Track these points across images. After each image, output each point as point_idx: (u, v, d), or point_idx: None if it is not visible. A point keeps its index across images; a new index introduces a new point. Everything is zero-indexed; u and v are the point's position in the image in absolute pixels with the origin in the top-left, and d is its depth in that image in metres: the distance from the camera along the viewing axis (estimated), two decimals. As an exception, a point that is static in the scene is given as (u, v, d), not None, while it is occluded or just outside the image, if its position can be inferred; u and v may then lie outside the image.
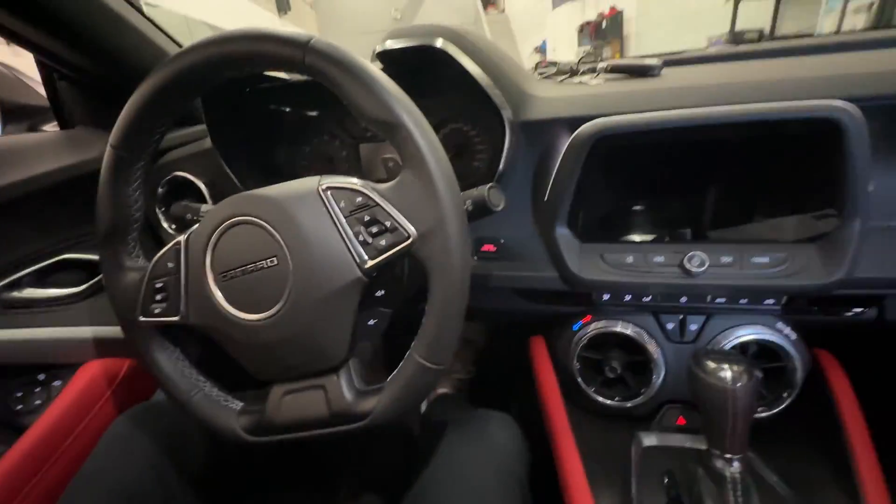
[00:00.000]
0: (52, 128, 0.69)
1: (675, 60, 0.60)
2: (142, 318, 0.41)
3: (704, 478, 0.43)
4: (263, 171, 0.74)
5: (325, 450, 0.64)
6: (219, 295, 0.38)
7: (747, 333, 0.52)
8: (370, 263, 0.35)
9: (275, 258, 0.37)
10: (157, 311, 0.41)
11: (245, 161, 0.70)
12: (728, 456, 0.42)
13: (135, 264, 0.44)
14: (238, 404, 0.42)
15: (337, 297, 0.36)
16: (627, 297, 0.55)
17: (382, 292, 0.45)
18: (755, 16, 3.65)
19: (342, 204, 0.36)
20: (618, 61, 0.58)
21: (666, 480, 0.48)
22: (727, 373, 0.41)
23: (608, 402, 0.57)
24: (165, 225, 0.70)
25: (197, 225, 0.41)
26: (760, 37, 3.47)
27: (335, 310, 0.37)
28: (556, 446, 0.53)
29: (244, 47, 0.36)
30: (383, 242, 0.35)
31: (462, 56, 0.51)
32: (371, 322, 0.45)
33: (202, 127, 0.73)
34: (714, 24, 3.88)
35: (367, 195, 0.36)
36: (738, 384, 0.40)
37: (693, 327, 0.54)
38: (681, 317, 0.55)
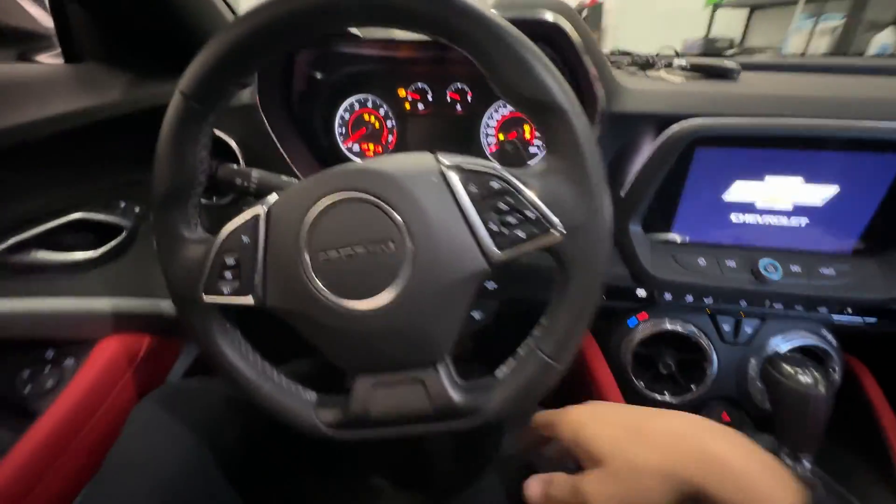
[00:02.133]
0: (47, 59, 0.58)
1: (746, 65, 0.60)
2: (205, 298, 0.36)
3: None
4: (301, 136, 0.68)
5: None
6: (315, 278, 0.34)
7: (797, 339, 0.55)
8: (500, 255, 0.33)
9: (391, 242, 0.33)
10: (225, 290, 0.36)
11: (283, 123, 0.63)
12: (799, 455, 0.44)
13: (195, 235, 0.38)
14: (312, 395, 0.39)
15: (456, 289, 0.34)
16: (689, 298, 0.57)
17: (496, 286, 0.42)
18: (730, 25, 3.81)
19: (472, 188, 0.33)
20: (698, 60, 0.57)
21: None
22: (808, 378, 0.43)
23: (658, 396, 0.59)
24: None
25: (280, 196, 0.36)
26: (731, 45, 3.64)
27: (451, 302, 0.34)
28: None
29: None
30: (521, 234, 0.32)
31: (573, 34, 0.48)
32: (477, 316, 0.43)
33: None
34: (691, 28, 4.00)
35: (505, 180, 0.32)
36: (819, 389, 0.43)
37: (748, 330, 0.57)
38: (735, 319, 0.57)
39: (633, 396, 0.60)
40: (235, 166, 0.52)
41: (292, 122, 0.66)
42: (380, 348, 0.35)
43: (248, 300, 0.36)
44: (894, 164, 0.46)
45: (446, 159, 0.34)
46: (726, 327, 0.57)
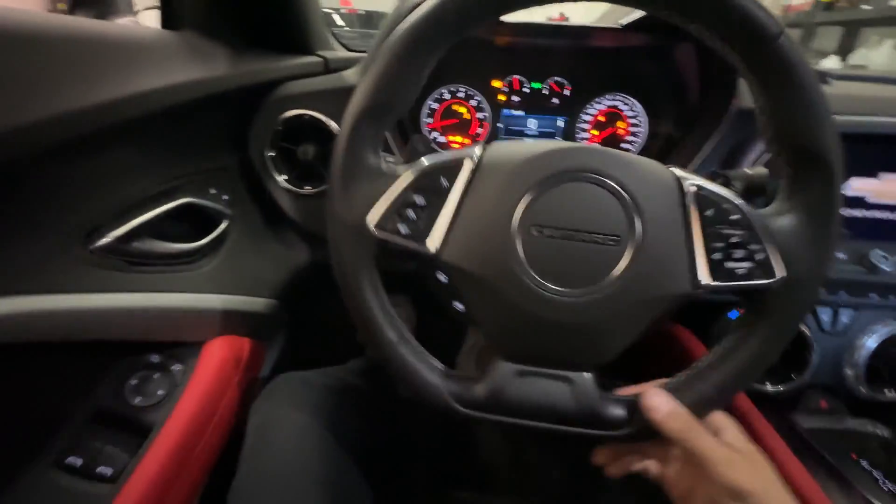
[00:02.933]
0: (127, 22, 0.51)
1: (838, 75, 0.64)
2: (376, 231, 0.32)
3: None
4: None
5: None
6: (519, 250, 0.31)
7: (888, 328, 0.59)
8: (709, 283, 0.31)
9: (617, 237, 0.31)
10: (402, 230, 0.32)
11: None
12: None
13: (381, 164, 0.34)
14: (440, 365, 0.36)
15: (653, 304, 0.32)
16: (793, 290, 0.59)
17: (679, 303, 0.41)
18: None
19: (708, 211, 0.31)
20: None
21: (860, 460, 0.52)
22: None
23: (760, 387, 0.61)
24: (276, 175, 0.57)
25: (495, 149, 0.34)
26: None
27: (641, 315, 0.33)
28: (755, 432, 0.54)
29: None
30: (740, 271, 0.31)
31: None
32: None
33: (315, 59, 0.61)
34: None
35: (746, 216, 0.31)
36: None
37: (844, 320, 0.60)
38: (833, 310, 0.60)
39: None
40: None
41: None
42: (550, 339, 0.33)
43: (425, 248, 0.32)
44: None
45: (682, 173, 0.33)
46: (825, 317, 0.60)
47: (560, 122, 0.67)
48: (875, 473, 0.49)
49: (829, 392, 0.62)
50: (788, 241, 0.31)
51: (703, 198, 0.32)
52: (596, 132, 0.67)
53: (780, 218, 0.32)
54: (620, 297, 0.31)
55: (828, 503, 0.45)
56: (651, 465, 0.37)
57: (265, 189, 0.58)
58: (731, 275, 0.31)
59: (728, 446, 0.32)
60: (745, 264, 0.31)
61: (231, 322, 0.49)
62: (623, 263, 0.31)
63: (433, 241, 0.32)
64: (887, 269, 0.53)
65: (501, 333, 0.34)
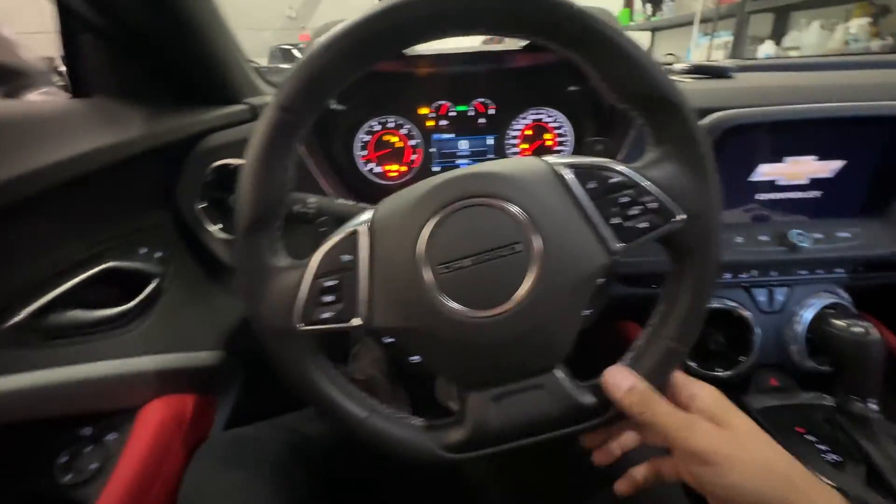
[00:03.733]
0: (36, 97, 0.51)
1: (734, 68, 0.68)
2: (302, 327, 0.33)
3: (846, 423, 0.49)
4: (324, 161, 0.65)
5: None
6: (440, 292, 0.32)
7: (820, 300, 0.61)
8: (621, 247, 0.33)
9: (518, 244, 0.32)
10: (326, 315, 0.33)
11: (309, 147, 0.61)
12: (866, 400, 0.49)
13: (284, 262, 0.35)
14: (419, 420, 0.37)
15: (581, 286, 0.34)
16: (727, 276, 0.61)
17: (603, 280, 0.43)
18: (638, 42, 4.27)
19: (591, 184, 0.33)
20: (699, 63, 0.64)
21: (806, 433, 0.53)
22: (860, 328, 0.48)
23: (710, 373, 0.62)
24: (209, 226, 0.57)
25: (380, 210, 0.35)
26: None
27: (575, 301, 0.34)
28: None
29: (492, 5, 0.31)
30: (643, 224, 0.33)
31: None
32: (585, 312, 0.43)
33: (241, 108, 0.62)
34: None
35: (624, 174, 0.33)
36: (873, 336, 0.48)
37: (780, 298, 0.62)
38: (768, 290, 0.62)
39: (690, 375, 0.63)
40: (301, 194, 0.49)
41: (317, 145, 0.63)
42: (501, 358, 0.34)
43: (354, 323, 0.33)
44: (883, 136, 0.54)
45: (554, 159, 0.35)
46: (761, 298, 0.62)
47: (490, 141, 0.69)
48: (819, 445, 0.51)
49: (779, 370, 0.64)
50: (671, 183, 0.33)
51: (580, 174, 0.33)
52: (526, 146, 0.69)
53: (656, 165, 0.34)
54: (546, 292, 0.32)
55: None
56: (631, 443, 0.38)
57: (201, 240, 0.58)
58: (637, 231, 0.33)
59: (695, 412, 0.32)
60: (645, 217, 0.33)
61: (170, 381, 0.48)
62: (535, 264, 0.32)
63: (360, 315, 0.33)
64: (806, 245, 0.55)
65: (459, 370, 0.35)
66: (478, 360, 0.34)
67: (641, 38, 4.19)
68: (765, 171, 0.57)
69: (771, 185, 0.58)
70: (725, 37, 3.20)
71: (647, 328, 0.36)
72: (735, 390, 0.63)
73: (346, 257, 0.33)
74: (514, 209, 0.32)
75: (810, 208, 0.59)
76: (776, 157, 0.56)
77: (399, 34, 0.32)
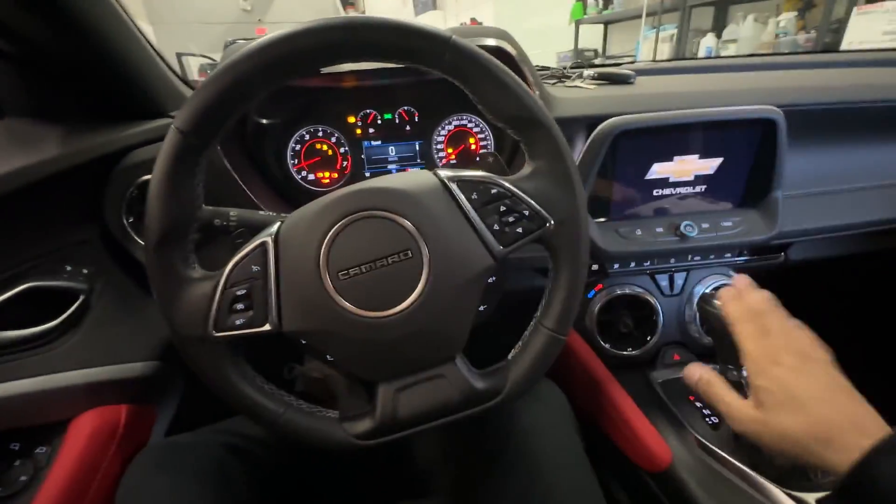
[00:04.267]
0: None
1: (639, 70, 0.74)
2: (216, 333, 0.36)
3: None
4: (255, 168, 0.67)
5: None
6: (339, 297, 0.36)
7: (714, 282, 0.69)
8: (503, 250, 0.38)
9: (409, 251, 0.36)
10: (238, 322, 0.36)
11: (238, 158, 0.63)
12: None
13: (196, 273, 0.38)
14: (333, 413, 0.41)
15: (468, 286, 0.38)
16: (632, 265, 0.68)
17: (493, 279, 0.47)
18: (592, 38, 4.39)
19: (473, 195, 0.38)
20: (602, 70, 0.70)
21: (695, 401, 0.60)
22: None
23: (622, 352, 0.69)
24: (138, 239, 0.58)
25: (285, 223, 0.38)
26: (596, 55, 4.21)
27: (464, 298, 0.38)
28: (608, 393, 0.62)
29: (381, 36, 0.35)
30: (519, 230, 0.38)
31: (515, 55, 0.56)
32: (482, 308, 0.47)
33: (165, 121, 0.63)
34: (560, 42, 4.53)
35: (502, 186, 0.38)
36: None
37: (679, 282, 0.69)
38: (669, 276, 0.69)
39: (603, 356, 0.69)
40: (210, 207, 0.51)
41: (247, 157, 0.65)
42: (402, 353, 0.38)
43: (265, 328, 0.36)
44: (756, 136, 0.62)
45: (444, 172, 0.39)
46: (664, 283, 0.69)
47: (417, 146, 0.73)
48: (703, 410, 0.58)
49: (682, 346, 0.71)
50: (541, 191, 0.38)
51: (464, 186, 0.38)
52: (451, 149, 0.73)
53: (530, 178, 0.38)
54: (437, 293, 0.36)
55: (662, 442, 0.53)
56: None
57: (130, 254, 0.59)
58: (515, 235, 0.38)
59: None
60: (521, 224, 0.37)
61: (101, 393, 0.49)
62: (425, 268, 0.36)
63: (270, 321, 0.36)
64: (694, 234, 0.62)
65: (365, 366, 0.38)
66: (381, 355, 0.38)
67: (594, 31, 4.31)
68: (658, 170, 0.63)
69: (665, 182, 0.64)
70: (671, 30, 3.33)
71: (532, 320, 0.41)
72: (644, 366, 0.70)
73: (256, 268, 0.36)
74: (405, 221, 0.36)
75: (698, 202, 0.66)
76: (667, 157, 0.62)
77: (293, 64, 0.35)
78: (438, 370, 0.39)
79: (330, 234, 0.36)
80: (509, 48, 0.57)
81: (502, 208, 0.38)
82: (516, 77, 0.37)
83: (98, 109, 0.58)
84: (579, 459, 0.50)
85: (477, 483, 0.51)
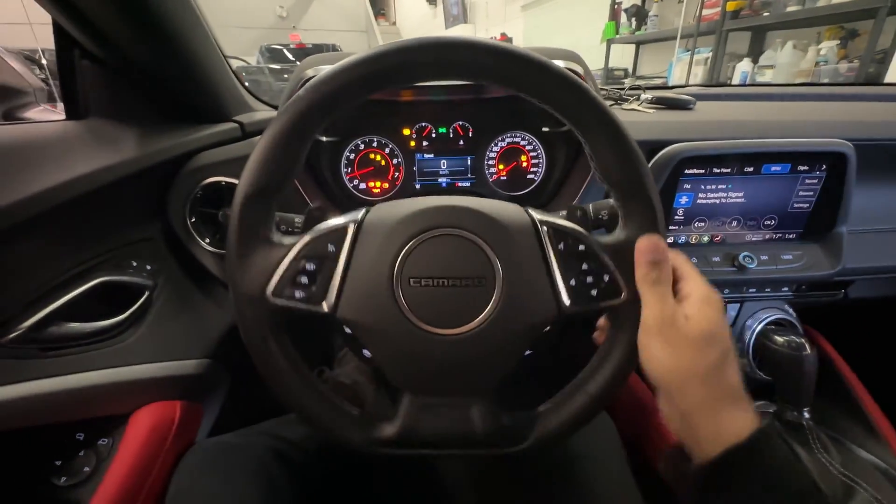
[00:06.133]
0: (34, 115, 0.53)
1: (698, 95, 0.73)
2: (273, 299, 0.36)
3: (781, 429, 0.54)
4: (312, 177, 0.69)
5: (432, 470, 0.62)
6: (403, 301, 0.36)
7: (768, 315, 0.67)
8: (571, 308, 0.37)
9: (483, 279, 0.36)
10: (297, 294, 0.36)
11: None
12: (800, 408, 0.54)
13: (273, 236, 0.38)
14: (356, 410, 0.40)
15: (527, 332, 0.37)
16: (684, 292, 0.66)
17: (549, 328, 0.46)
18: (622, 57, 4.39)
19: (560, 245, 0.37)
20: (661, 94, 0.69)
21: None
22: (795, 343, 0.54)
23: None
24: (198, 238, 0.60)
25: (373, 214, 0.38)
26: (626, 74, 4.20)
27: (518, 342, 0.37)
28: (654, 420, 0.60)
29: (522, 71, 0.34)
30: (594, 293, 0.36)
31: (585, 76, 0.56)
32: (527, 353, 0.46)
33: (231, 126, 0.65)
34: (589, 61, 4.52)
35: (591, 246, 0.37)
36: (808, 351, 0.53)
37: (731, 313, 0.67)
38: (721, 306, 0.68)
39: (647, 382, 0.68)
40: (286, 214, 0.51)
41: (307, 165, 0.67)
42: (440, 373, 0.37)
43: (321, 308, 0.36)
44: (822, 169, 0.60)
45: (538, 215, 0.38)
46: (715, 313, 0.67)
47: (468, 161, 0.73)
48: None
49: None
50: (625, 262, 0.36)
51: (555, 234, 0.37)
52: (502, 166, 0.74)
53: (618, 247, 0.37)
54: (495, 329, 0.36)
55: None
56: None
57: (190, 253, 0.61)
58: (588, 298, 0.36)
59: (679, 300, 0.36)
60: (597, 288, 0.36)
61: (159, 389, 0.50)
62: (491, 302, 0.36)
63: (328, 302, 0.36)
64: (753, 266, 0.60)
65: (401, 373, 0.38)
66: (419, 368, 0.37)
67: (626, 50, 4.30)
68: (716, 198, 0.62)
69: (723, 211, 0.63)
70: (705, 53, 3.31)
71: (576, 379, 0.39)
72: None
73: (331, 247, 0.36)
74: (489, 250, 0.36)
75: (758, 233, 0.64)
76: (727, 186, 0.61)
77: (409, 72, 0.35)
78: (469, 400, 0.38)
79: (415, 239, 0.36)
80: (579, 69, 0.57)
81: (584, 266, 0.36)
82: (637, 148, 0.35)
83: (170, 113, 0.60)
84: (631, 494, 0.49)
85: None
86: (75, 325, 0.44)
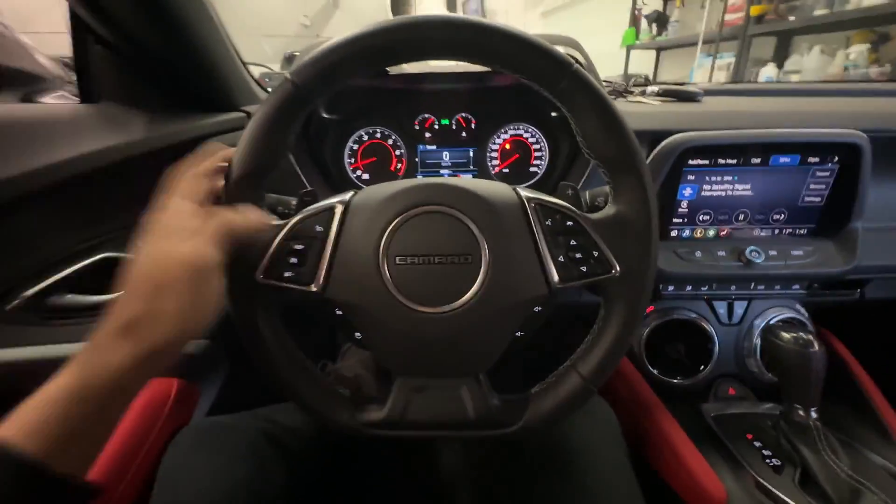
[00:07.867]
0: (51, 100, 0.56)
1: (707, 90, 0.72)
2: (263, 279, 0.36)
3: (788, 430, 0.52)
4: (314, 163, 0.70)
5: (419, 452, 0.61)
6: (390, 280, 0.36)
7: (778, 314, 0.64)
8: (560, 284, 0.36)
9: (469, 256, 0.36)
10: (287, 274, 0.36)
11: (299, 152, 0.65)
12: (808, 409, 0.52)
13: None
14: (346, 392, 0.39)
15: (515, 309, 0.37)
16: (688, 288, 0.64)
17: (539, 308, 0.46)
18: (641, 63, 4.34)
19: (548, 222, 0.36)
20: (667, 87, 0.68)
21: (753, 440, 0.56)
22: (802, 340, 0.51)
23: (672, 380, 0.65)
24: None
25: (359, 195, 0.38)
26: (646, 80, 4.14)
27: (507, 321, 0.37)
28: (656, 421, 0.58)
29: (508, 47, 0.34)
30: (583, 269, 0.36)
31: (585, 63, 0.55)
32: (519, 333, 0.45)
33: (238, 115, 0.66)
34: (609, 67, 4.50)
35: (578, 221, 0.36)
36: (816, 348, 0.51)
37: (739, 311, 0.65)
38: (728, 303, 0.65)
39: (650, 382, 0.66)
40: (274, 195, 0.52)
41: (310, 155, 0.68)
42: (430, 354, 0.37)
43: (310, 288, 0.36)
44: (835, 162, 0.58)
45: (524, 192, 0.38)
46: (721, 311, 0.65)
47: (471, 153, 0.73)
48: (763, 451, 0.54)
49: (738, 380, 0.66)
50: (615, 237, 0.36)
51: (542, 210, 0.37)
52: (505, 158, 0.73)
53: (608, 222, 0.36)
54: (483, 307, 0.35)
55: (716, 480, 0.49)
56: None
57: None
58: (577, 273, 0.36)
59: None
60: (587, 264, 0.36)
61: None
62: (479, 280, 0.35)
63: (317, 283, 0.36)
64: (760, 261, 0.58)
65: (390, 354, 0.38)
66: (409, 349, 0.37)
67: (646, 56, 4.25)
68: (722, 191, 0.60)
69: (729, 204, 0.61)
70: (728, 58, 3.24)
71: (568, 361, 0.38)
72: (693, 398, 0.66)
73: (319, 228, 0.37)
74: (474, 226, 0.36)
75: (766, 227, 0.62)
76: (733, 178, 0.59)
77: (412, 48, 0.35)
78: (459, 382, 0.37)
79: (399, 217, 0.36)
80: (578, 57, 0.57)
81: (572, 243, 0.36)
82: (624, 119, 0.35)
83: (179, 99, 0.62)
84: (631, 489, 0.47)
85: (513, 499, 0.49)
86: (77, 297, 0.46)
